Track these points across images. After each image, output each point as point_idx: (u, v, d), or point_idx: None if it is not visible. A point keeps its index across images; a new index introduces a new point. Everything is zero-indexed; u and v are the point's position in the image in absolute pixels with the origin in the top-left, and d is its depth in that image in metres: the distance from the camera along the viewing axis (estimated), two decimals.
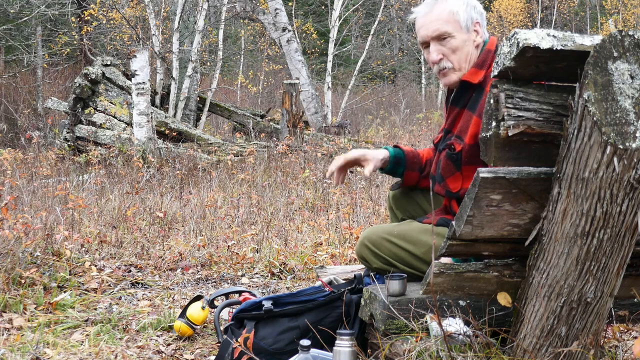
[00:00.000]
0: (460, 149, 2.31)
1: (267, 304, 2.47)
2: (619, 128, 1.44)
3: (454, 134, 2.36)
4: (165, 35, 14.26)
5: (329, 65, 15.12)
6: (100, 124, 9.82)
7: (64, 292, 3.43)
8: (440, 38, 2.32)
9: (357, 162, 2.60)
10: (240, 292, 3.02)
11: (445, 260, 2.05)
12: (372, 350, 2.28)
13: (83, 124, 9.92)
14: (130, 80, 9.54)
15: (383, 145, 2.75)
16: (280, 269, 4.17)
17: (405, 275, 2.22)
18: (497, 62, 1.55)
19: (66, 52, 17.37)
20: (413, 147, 2.96)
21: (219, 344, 2.55)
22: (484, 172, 1.61)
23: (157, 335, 2.92)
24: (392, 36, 22.92)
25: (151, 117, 8.98)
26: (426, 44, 2.37)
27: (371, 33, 16.73)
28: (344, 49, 18.41)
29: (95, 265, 3.95)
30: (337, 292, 2.49)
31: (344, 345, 2.10)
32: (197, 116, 12.63)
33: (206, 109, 12.63)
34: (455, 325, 1.96)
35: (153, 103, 11.18)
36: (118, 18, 15.15)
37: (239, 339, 2.30)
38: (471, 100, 2.32)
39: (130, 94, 9.67)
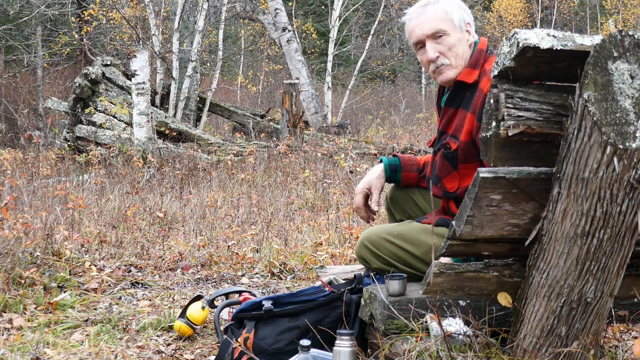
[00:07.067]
0: (455, 147, 2.33)
1: (267, 304, 2.47)
2: (619, 128, 1.44)
3: (449, 134, 2.39)
4: (165, 35, 14.25)
5: (329, 65, 15.11)
6: (100, 124, 9.82)
7: (64, 292, 3.43)
8: (436, 36, 2.35)
9: (367, 194, 2.69)
10: (240, 292, 3.03)
11: (445, 260, 2.06)
12: (372, 350, 2.28)
13: (83, 124, 9.91)
14: (130, 80, 9.54)
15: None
16: (280, 269, 4.17)
17: (405, 275, 2.22)
18: (497, 62, 1.55)
19: (66, 52, 17.36)
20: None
21: (219, 344, 2.55)
22: (484, 172, 1.61)
23: (157, 335, 2.92)
24: (392, 36, 22.89)
25: (151, 117, 8.98)
26: (421, 44, 2.39)
27: (371, 33, 16.72)
28: (344, 49, 18.39)
29: (95, 265, 3.95)
30: (337, 292, 2.49)
31: (344, 345, 2.10)
32: (197, 116, 12.62)
33: (206, 109, 12.62)
34: (455, 325, 1.96)
35: (153, 103, 11.17)
36: (118, 18, 15.14)
37: (239, 339, 2.30)
38: (465, 99, 2.35)
39: (130, 94, 9.66)
